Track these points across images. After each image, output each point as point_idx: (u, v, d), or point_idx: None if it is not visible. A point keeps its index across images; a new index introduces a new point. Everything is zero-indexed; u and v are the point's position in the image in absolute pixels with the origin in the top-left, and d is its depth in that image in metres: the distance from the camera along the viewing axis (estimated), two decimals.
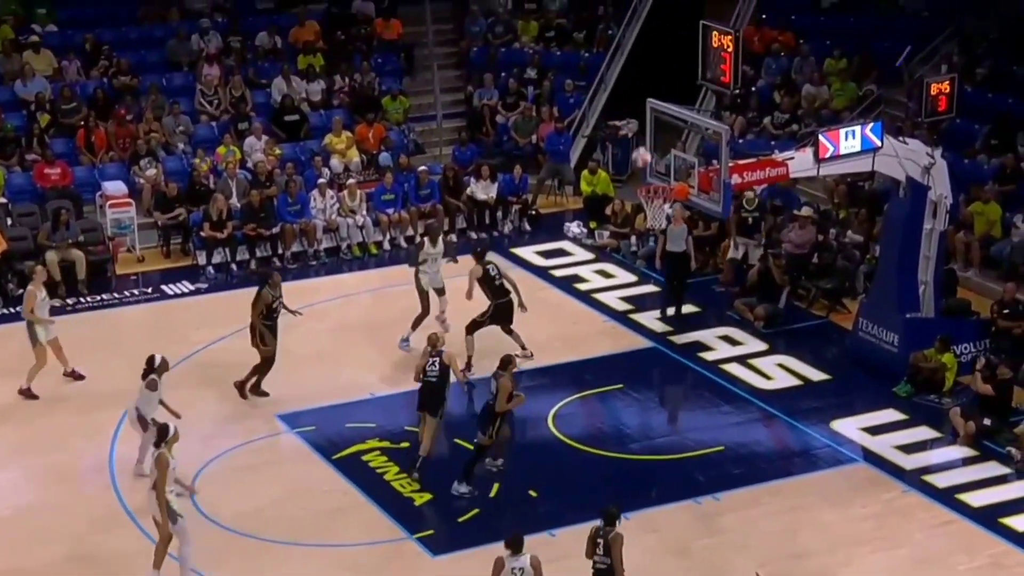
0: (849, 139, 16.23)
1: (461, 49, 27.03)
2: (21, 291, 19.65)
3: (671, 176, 16.27)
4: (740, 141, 22.41)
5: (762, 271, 19.47)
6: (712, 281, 20.57)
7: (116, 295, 20.19)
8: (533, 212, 23.26)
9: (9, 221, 20.93)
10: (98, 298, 20.02)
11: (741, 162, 16.35)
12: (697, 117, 17.16)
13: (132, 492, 14.63)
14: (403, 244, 22.11)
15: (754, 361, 18.06)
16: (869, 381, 17.40)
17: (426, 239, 18.45)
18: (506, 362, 14.64)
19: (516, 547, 11.82)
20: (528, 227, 22.90)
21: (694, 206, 16.93)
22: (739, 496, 14.83)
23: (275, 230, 21.25)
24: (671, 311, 19.29)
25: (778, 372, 17.80)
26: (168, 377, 15.17)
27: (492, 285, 17.36)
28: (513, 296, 17.38)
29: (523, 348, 17.44)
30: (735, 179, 15.98)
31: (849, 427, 16.37)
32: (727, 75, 15.98)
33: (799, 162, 16.38)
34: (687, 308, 19.57)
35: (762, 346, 18.51)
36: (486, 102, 25.26)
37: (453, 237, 21.27)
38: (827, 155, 16.17)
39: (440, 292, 18.20)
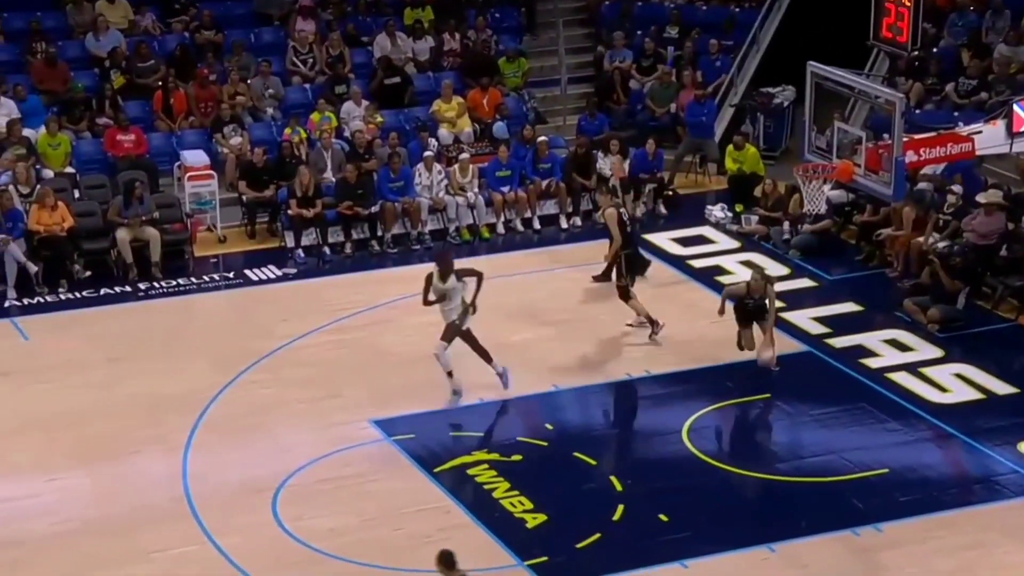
0: None
1: (590, 3, 27.01)
2: (88, 273, 20.24)
3: (833, 153, 16.07)
4: (917, 112, 22.07)
5: (934, 270, 19.15)
6: (878, 276, 20.27)
7: (194, 280, 20.56)
8: (670, 193, 23.16)
9: (77, 194, 21.41)
10: (173, 283, 20.42)
11: (917, 137, 16.12)
12: (866, 84, 16.95)
13: (206, 507, 14.90)
14: (519, 227, 22.19)
15: (927, 370, 17.80)
16: None
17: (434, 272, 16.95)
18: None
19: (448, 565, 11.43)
20: (664, 210, 22.82)
21: (860, 188, 16.71)
22: (905, 528, 14.59)
23: (374, 209, 21.46)
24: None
25: (955, 384, 17.50)
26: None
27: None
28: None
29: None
30: (910, 156, 15.77)
31: None
32: (904, 33, 15.74)
33: (988, 137, 16.12)
34: (848, 307, 19.33)
35: (937, 353, 18.23)
36: (618, 65, 25.20)
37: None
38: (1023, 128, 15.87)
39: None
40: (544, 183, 22.38)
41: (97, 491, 15.30)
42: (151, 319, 19.30)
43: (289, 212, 21.29)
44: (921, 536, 14.42)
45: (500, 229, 22.06)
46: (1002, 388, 17.43)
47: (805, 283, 20.13)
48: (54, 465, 15.71)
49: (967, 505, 15.03)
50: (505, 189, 22.25)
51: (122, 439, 16.28)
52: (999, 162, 20.91)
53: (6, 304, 19.53)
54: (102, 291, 20.03)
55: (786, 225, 21.41)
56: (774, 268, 20.61)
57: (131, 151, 22.20)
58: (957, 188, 20.21)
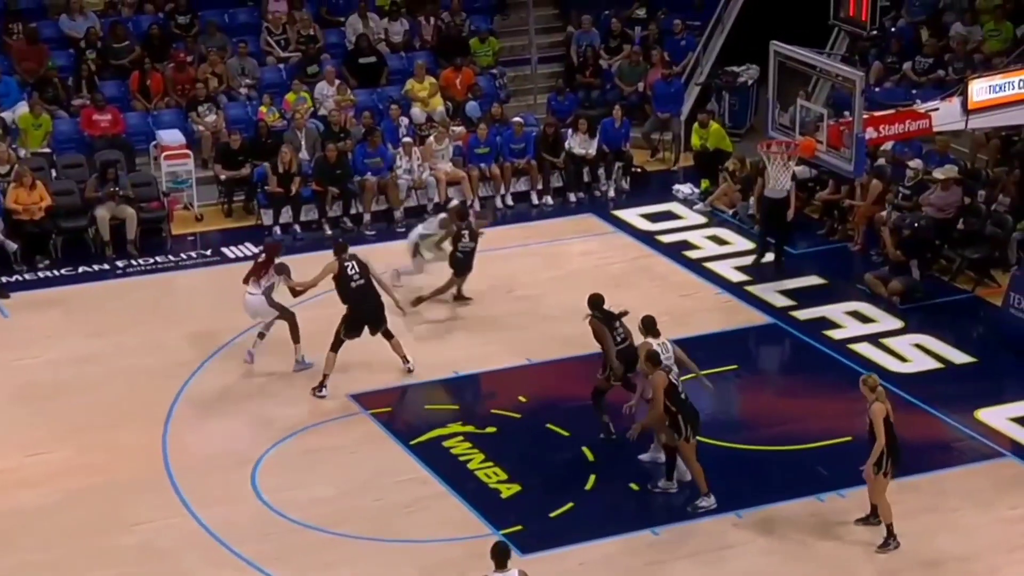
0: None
1: None
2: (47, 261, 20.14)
3: (796, 130, 16.19)
4: (876, 90, 22.17)
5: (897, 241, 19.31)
6: (841, 250, 20.45)
7: (171, 258, 20.55)
8: (638, 170, 23.26)
9: (54, 173, 21.34)
10: (151, 261, 20.41)
11: (877, 114, 16.26)
12: (827, 62, 17.06)
13: (187, 479, 14.97)
14: (499, 204, 22.24)
15: (888, 341, 17.96)
16: (1021, 364, 17.20)
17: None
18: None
19: (501, 561, 11.46)
20: (627, 186, 22.87)
21: (822, 164, 16.84)
22: (868, 493, 14.75)
23: (350, 186, 21.43)
24: (769, 257, 19.53)
25: (915, 353, 17.67)
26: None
27: (348, 286, 16.54)
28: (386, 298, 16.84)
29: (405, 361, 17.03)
30: (870, 133, 15.93)
31: (997, 417, 16.22)
32: (863, 12, 15.85)
33: (945, 114, 16.27)
34: (810, 280, 19.50)
35: (897, 324, 18.39)
36: (587, 45, 25.22)
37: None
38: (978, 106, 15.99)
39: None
40: (521, 162, 22.42)
41: (78, 464, 15.33)
42: (130, 296, 19.29)
43: (267, 189, 21.28)
44: None
45: (476, 206, 22.07)
46: (960, 357, 17.63)
47: (770, 257, 20.23)
48: (35, 439, 15.75)
49: (927, 471, 15.19)
50: (483, 165, 22.28)
51: (102, 413, 16.32)
52: (955, 138, 21.08)
53: None
54: (80, 269, 20.02)
55: (752, 200, 21.52)
56: (740, 243, 20.77)
57: (107, 131, 22.12)
58: (916, 163, 20.38)
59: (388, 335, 16.87)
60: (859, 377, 14.21)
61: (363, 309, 16.58)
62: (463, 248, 18.35)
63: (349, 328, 16.56)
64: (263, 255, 17.23)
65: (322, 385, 16.57)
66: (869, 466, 13.59)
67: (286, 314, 17.07)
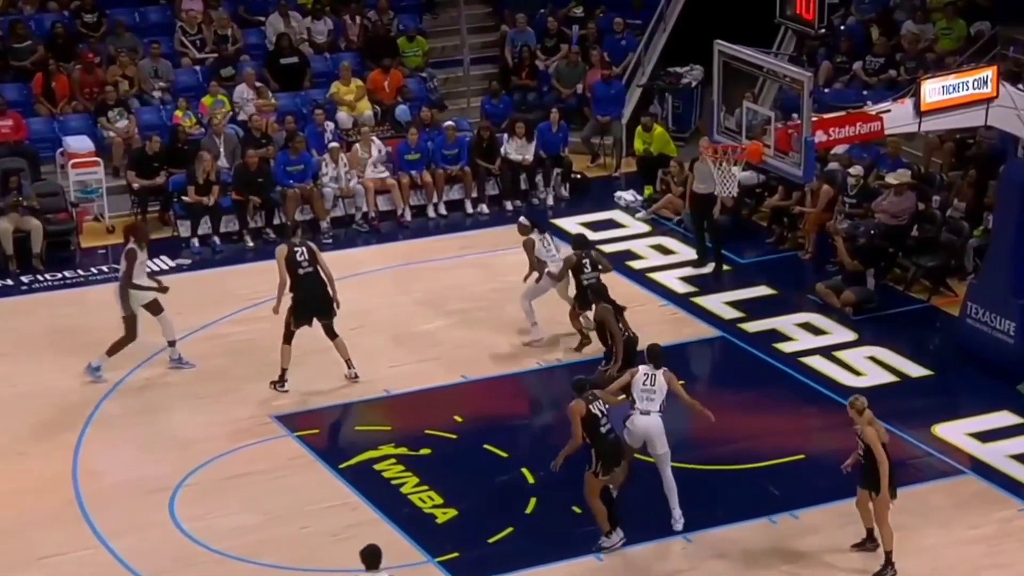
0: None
1: None
2: None
3: (742, 133, 16.26)
4: (826, 91, 22.35)
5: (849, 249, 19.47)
6: (791, 258, 20.60)
7: (80, 272, 20.38)
8: (577, 176, 23.32)
9: None
10: (58, 276, 20.23)
11: (827, 116, 16.33)
12: (774, 63, 17.15)
13: (99, 508, 14.80)
14: (431, 213, 22.18)
15: (841, 354, 18.09)
16: (980, 377, 17.38)
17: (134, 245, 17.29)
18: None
19: (372, 563, 11.68)
20: (566, 194, 22.93)
21: (770, 169, 16.93)
22: (822, 514, 14.87)
23: (272, 195, 21.36)
24: (710, 268, 19.83)
25: (869, 367, 17.81)
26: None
27: (296, 272, 16.73)
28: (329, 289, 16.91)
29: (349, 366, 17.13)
30: (819, 136, 15.97)
31: (955, 432, 16.37)
32: (810, 11, 15.95)
33: (897, 116, 16.35)
34: (760, 291, 19.62)
35: (850, 336, 18.54)
36: (523, 45, 25.27)
37: None
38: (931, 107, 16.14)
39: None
40: (454, 169, 22.41)
41: None
42: (36, 313, 19.10)
43: (185, 199, 21.13)
44: (838, 522, 14.67)
45: (407, 216, 22.02)
46: (916, 370, 17.79)
47: (723, 268, 20.35)
48: None
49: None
50: (414, 172, 22.26)
51: (8, 439, 16.15)
52: (908, 141, 21.29)
53: None
54: None
55: None
56: (685, 252, 20.87)
57: (9, 137, 21.94)
58: (857, 169, 20.47)
59: (332, 333, 16.97)
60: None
61: (309, 296, 16.76)
62: (587, 279, 17.55)
63: (298, 317, 16.77)
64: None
65: (282, 380, 16.85)
66: (884, 493, 13.61)
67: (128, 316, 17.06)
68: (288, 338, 16.84)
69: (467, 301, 19.32)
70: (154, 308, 17.23)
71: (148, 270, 17.86)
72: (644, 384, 14.27)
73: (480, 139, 22.75)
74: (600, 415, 13.98)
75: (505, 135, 22.96)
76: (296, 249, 16.82)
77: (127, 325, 17.11)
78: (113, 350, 17.10)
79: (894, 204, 19.90)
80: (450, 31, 25.93)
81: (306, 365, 17.33)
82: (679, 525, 14.43)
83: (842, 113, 16.51)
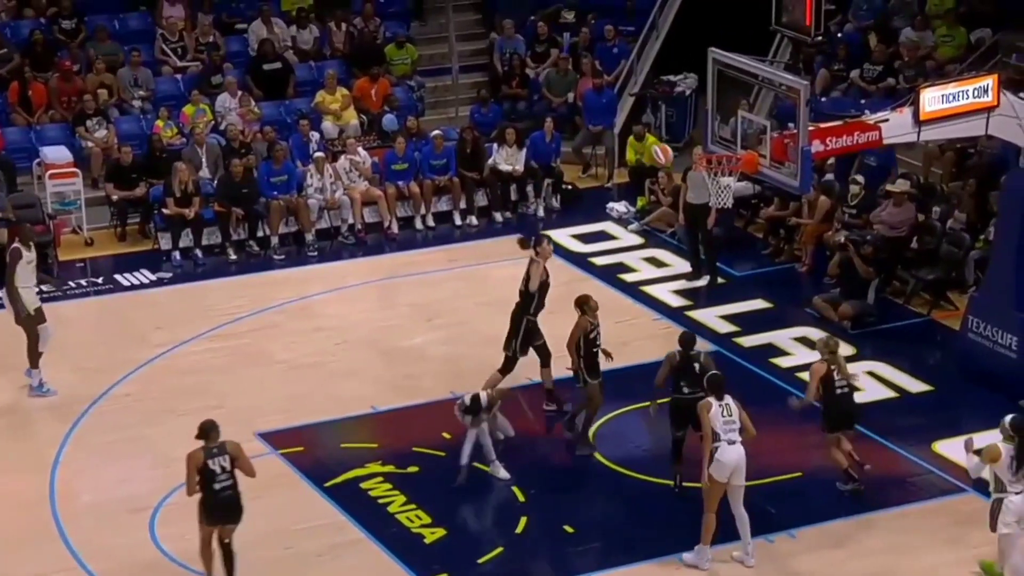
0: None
1: None
2: None
3: (737, 143, 16.31)
4: (823, 100, 22.44)
5: (844, 260, 19.50)
6: (788, 271, 20.64)
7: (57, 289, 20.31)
8: (569, 187, 23.35)
9: None
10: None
11: (824, 125, 16.39)
12: (770, 71, 17.20)
13: (77, 529, 14.77)
14: (419, 225, 22.20)
15: None
16: (981, 393, 17.40)
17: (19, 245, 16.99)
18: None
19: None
20: (557, 205, 22.95)
21: (766, 180, 16.98)
22: (820, 532, 14.88)
23: (256, 208, 21.36)
24: (704, 280, 19.81)
25: (868, 382, 17.78)
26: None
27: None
28: None
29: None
30: (816, 146, 16.03)
31: (956, 449, 16.27)
32: (807, 18, 16.01)
33: (895, 125, 16.42)
34: (756, 304, 19.65)
35: (849, 350, 18.51)
36: (512, 52, 25.32)
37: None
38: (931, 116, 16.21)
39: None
40: (442, 179, 22.40)
41: None
42: (11, 328, 19.01)
43: (165, 211, 21.14)
44: (836, 541, 14.72)
45: (394, 228, 22.02)
46: (916, 386, 17.80)
47: (718, 281, 20.39)
48: None
49: (883, 508, 15.32)
50: (401, 183, 22.27)
51: None
52: (908, 151, 21.35)
53: None
54: None
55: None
56: (679, 264, 20.89)
57: None
58: (859, 178, 20.61)
59: None
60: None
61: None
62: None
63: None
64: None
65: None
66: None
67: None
68: None
69: (455, 315, 19.33)
70: (39, 317, 17.06)
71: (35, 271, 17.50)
72: (724, 415, 14.22)
73: (463, 143, 22.64)
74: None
75: (495, 144, 22.96)
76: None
77: (27, 327, 16.96)
78: (33, 356, 16.95)
79: (893, 215, 19.95)
80: (438, 38, 25.97)
81: (290, 380, 17.33)
82: (752, 561, 14.31)
83: (839, 122, 16.57)
